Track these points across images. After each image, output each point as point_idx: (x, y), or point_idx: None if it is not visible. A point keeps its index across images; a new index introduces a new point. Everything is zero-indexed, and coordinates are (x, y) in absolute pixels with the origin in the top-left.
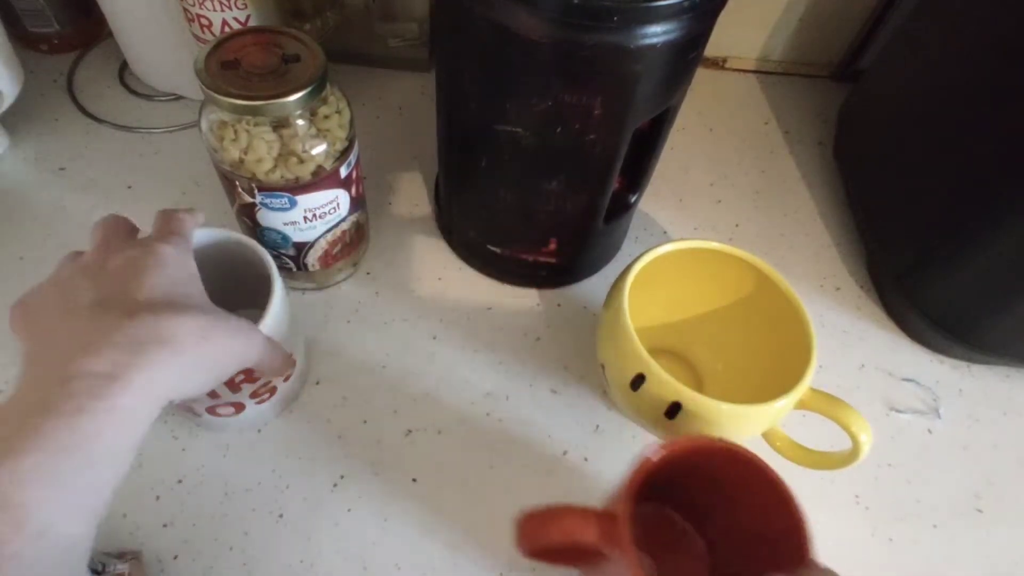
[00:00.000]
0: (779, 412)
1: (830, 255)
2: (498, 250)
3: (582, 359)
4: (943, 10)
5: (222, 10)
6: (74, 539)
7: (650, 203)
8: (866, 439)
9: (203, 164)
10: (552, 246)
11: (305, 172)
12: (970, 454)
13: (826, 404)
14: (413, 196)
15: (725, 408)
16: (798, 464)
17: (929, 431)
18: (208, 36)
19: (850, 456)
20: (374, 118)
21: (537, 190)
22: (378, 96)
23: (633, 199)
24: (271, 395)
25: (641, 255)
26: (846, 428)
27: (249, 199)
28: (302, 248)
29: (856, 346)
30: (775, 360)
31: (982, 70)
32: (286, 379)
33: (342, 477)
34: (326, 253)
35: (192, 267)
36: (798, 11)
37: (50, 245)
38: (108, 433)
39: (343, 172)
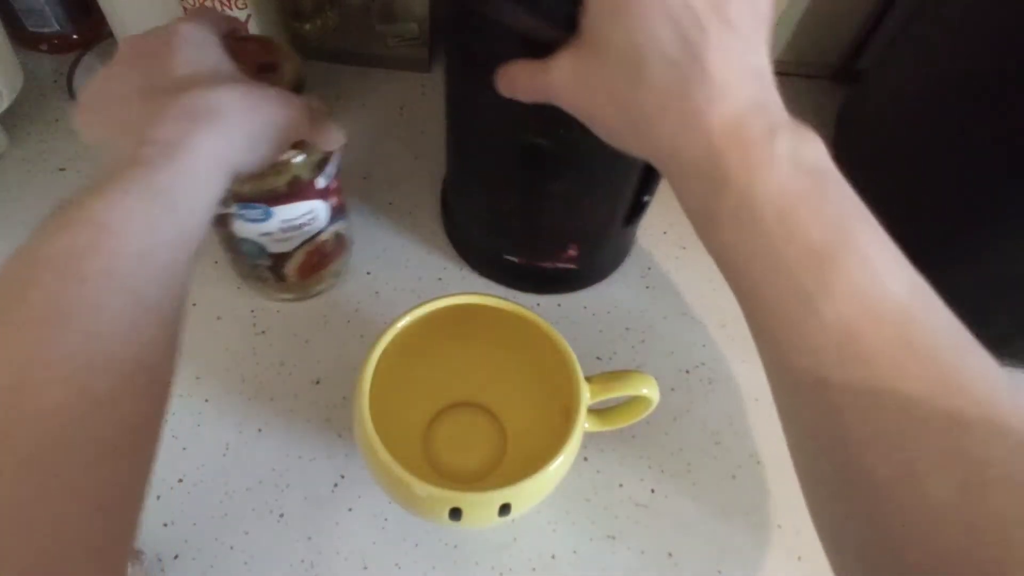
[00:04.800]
0: (560, 468)
1: None
2: (516, 259)
3: (583, 360)
4: (944, 10)
5: (222, 10)
6: (170, 266)
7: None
8: (649, 391)
9: None
10: (572, 252)
11: (281, 183)
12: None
13: (610, 386)
14: (413, 195)
15: (503, 494)
16: (612, 427)
17: None
18: None
19: (642, 406)
20: (374, 118)
21: (558, 197)
22: (378, 96)
23: (647, 198)
24: None
25: (372, 348)
26: (634, 391)
27: (224, 209)
28: (280, 259)
29: None
30: (559, 392)
31: (983, 70)
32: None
33: (342, 477)
34: (304, 264)
35: (217, 43)
36: (798, 11)
37: None
38: (181, 188)
39: (320, 183)
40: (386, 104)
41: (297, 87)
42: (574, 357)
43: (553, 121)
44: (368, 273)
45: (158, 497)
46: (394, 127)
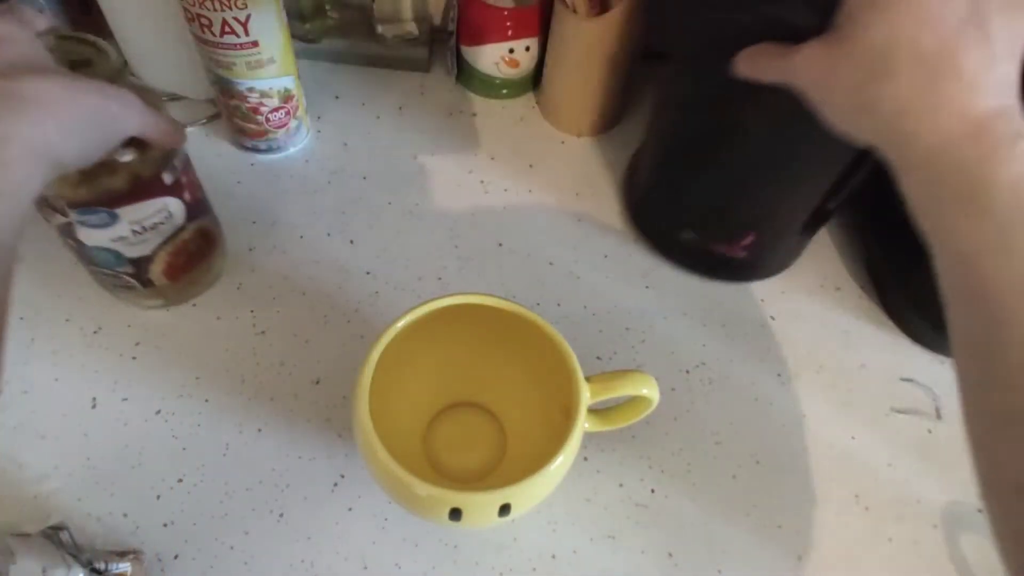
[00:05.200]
0: (560, 468)
1: (830, 255)
2: (693, 238)
3: (583, 360)
4: None
5: (222, 10)
6: None
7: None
8: (649, 391)
9: (203, 164)
10: (749, 240)
11: (119, 183)
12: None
13: (610, 386)
14: (412, 195)
15: (503, 493)
16: (612, 427)
17: (929, 431)
18: (208, 36)
19: (642, 406)
20: (374, 118)
21: (755, 184)
22: (378, 96)
23: (832, 206)
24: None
25: (368, 355)
26: (634, 391)
27: (63, 218)
28: (141, 264)
29: (856, 346)
30: (559, 392)
31: None
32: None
33: (342, 477)
34: (170, 266)
35: (31, 38)
36: None
37: (50, 244)
38: None
39: (167, 178)
40: (386, 104)
41: (113, 82)
42: (574, 357)
43: (772, 108)
44: (368, 273)
45: (159, 497)
46: (394, 127)
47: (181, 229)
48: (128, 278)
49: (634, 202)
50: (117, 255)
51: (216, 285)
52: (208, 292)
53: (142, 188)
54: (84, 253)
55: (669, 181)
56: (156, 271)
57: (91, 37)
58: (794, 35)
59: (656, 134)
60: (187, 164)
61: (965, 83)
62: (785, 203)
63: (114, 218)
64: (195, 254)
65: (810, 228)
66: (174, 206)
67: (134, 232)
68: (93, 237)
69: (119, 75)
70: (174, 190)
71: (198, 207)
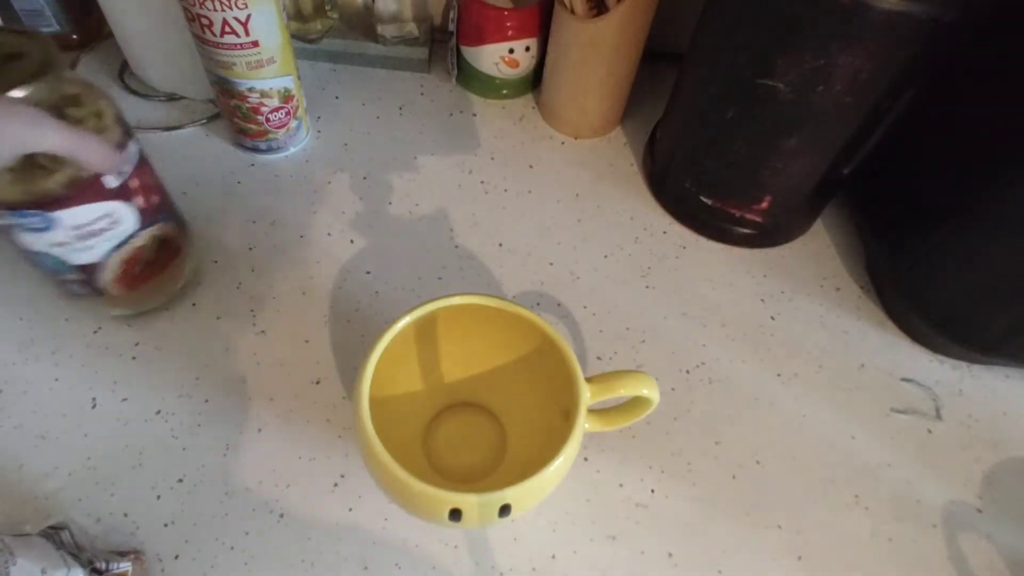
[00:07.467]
0: (560, 468)
1: (830, 255)
2: (709, 201)
3: (583, 360)
4: None
5: (222, 10)
6: None
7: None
8: (649, 391)
9: (203, 164)
10: (764, 204)
11: (54, 184)
12: (970, 454)
13: (610, 386)
14: (413, 195)
15: (505, 494)
16: (612, 427)
17: (929, 431)
18: (208, 36)
19: (642, 406)
20: (374, 118)
21: (774, 145)
22: (378, 96)
23: (846, 171)
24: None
25: (372, 349)
26: (634, 392)
27: (2, 220)
28: (90, 271)
29: (856, 346)
30: (559, 393)
31: (976, 67)
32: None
33: (342, 477)
34: (124, 274)
35: None
36: None
37: None
38: None
39: (112, 182)
40: (386, 104)
41: (40, 78)
42: (574, 357)
43: (794, 66)
44: (368, 273)
45: (159, 497)
46: (394, 127)
47: (132, 236)
48: (78, 286)
49: (654, 170)
50: (60, 261)
51: (216, 285)
52: (208, 291)
53: (80, 192)
54: (27, 257)
55: (689, 146)
56: (107, 280)
57: (37, 35)
58: None
59: (680, 96)
60: (141, 166)
61: None
62: (803, 166)
63: (50, 222)
64: (154, 263)
65: (823, 195)
66: (122, 211)
67: (77, 237)
68: (32, 241)
69: (48, 68)
70: (121, 194)
71: (155, 212)
